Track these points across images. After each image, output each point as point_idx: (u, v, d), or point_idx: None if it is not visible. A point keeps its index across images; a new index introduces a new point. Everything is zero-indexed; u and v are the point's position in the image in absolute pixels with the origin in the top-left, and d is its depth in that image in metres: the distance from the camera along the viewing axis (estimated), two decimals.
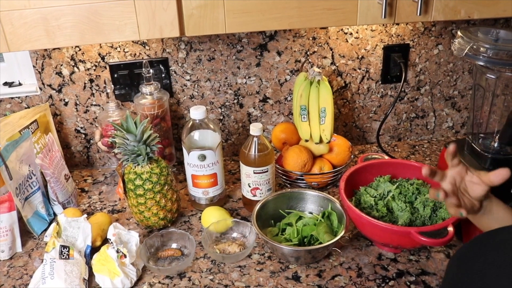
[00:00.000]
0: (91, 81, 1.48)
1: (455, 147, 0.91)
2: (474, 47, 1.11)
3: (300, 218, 1.24)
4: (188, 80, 1.51)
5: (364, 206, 1.21)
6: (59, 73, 1.45)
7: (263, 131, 1.31)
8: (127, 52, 1.45)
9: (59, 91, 1.48)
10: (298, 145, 1.45)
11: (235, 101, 1.56)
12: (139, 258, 1.16)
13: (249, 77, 1.52)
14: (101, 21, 1.05)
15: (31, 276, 1.14)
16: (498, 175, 0.88)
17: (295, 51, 1.50)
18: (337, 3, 1.10)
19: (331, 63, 1.54)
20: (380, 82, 1.58)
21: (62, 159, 1.40)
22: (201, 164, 1.28)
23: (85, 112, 1.52)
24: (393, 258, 1.17)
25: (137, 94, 1.42)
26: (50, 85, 1.47)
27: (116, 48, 1.44)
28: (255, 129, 1.26)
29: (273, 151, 1.32)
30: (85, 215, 1.22)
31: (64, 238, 1.15)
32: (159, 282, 1.13)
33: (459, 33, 1.16)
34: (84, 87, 1.48)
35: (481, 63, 1.12)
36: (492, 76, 1.18)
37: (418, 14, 1.11)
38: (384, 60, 1.54)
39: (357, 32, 1.49)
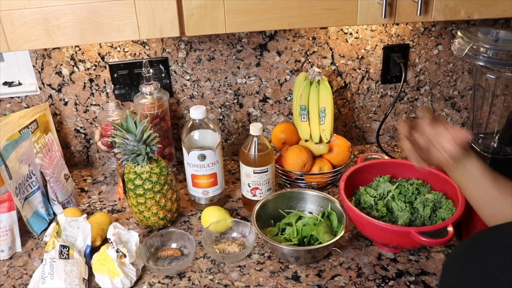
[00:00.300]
0: (91, 80, 1.48)
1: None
2: (474, 47, 1.11)
3: (300, 218, 1.24)
4: (188, 80, 1.51)
5: (364, 206, 1.21)
6: (59, 73, 1.45)
7: (263, 131, 1.31)
8: (127, 52, 1.45)
9: (59, 90, 1.48)
10: (298, 145, 1.45)
11: (235, 101, 1.56)
12: (139, 258, 1.15)
13: (249, 77, 1.52)
14: (101, 20, 1.05)
15: (30, 276, 1.14)
16: (458, 133, 0.91)
17: (295, 51, 1.50)
18: (337, 3, 1.10)
19: (331, 63, 1.54)
20: (380, 82, 1.59)
21: (62, 159, 1.40)
22: (201, 164, 1.28)
23: (85, 112, 1.52)
24: (392, 258, 1.17)
25: (137, 94, 1.42)
26: (50, 85, 1.47)
27: (116, 48, 1.44)
28: (255, 129, 1.26)
29: (273, 151, 1.32)
30: (85, 215, 1.22)
31: (63, 238, 1.15)
32: (159, 282, 1.13)
33: (459, 33, 1.16)
34: (84, 86, 1.48)
35: (481, 63, 1.12)
36: (492, 76, 1.18)
37: (418, 14, 1.11)
38: (384, 60, 1.55)
39: (357, 32, 1.49)
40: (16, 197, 1.23)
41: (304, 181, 1.43)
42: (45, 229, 1.31)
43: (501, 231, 0.76)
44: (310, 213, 1.28)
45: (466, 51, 1.11)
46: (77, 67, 1.45)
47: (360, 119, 1.65)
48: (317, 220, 1.22)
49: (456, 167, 0.95)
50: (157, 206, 1.24)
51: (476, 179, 0.93)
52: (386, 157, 1.51)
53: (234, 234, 1.26)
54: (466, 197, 0.98)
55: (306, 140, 1.42)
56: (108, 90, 1.41)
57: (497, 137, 1.24)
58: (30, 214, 1.30)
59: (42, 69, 1.44)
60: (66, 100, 1.50)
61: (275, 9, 1.09)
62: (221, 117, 1.58)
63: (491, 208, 0.92)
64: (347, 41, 1.50)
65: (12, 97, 1.47)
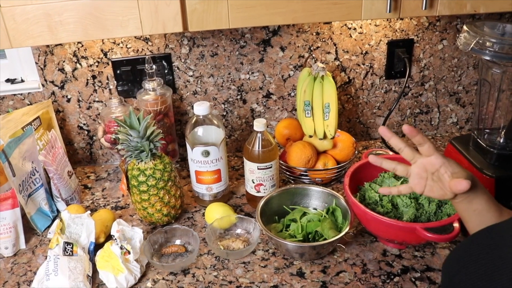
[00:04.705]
0: (94, 77, 1.47)
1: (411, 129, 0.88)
2: (480, 41, 1.10)
3: (304, 214, 1.24)
4: (191, 76, 1.50)
5: (368, 202, 1.20)
6: (62, 70, 1.45)
7: (267, 126, 1.31)
8: (129, 48, 1.44)
9: (62, 87, 1.48)
10: (302, 141, 1.44)
11: (238, 97, 1.55)
12: (143, 254, 1.15)
13: (253, 73, 1.51)
14: (104, 16, 1.05)
15: (35, 273, 1.13)
16: (457, 185, 0.84)
17: (298, 46, 1.49)
18: None
19: (335, 59, 1.53)
20: (384, 77, 1.58)
21: (65, 156, 1.40)
22: (204, 160, 1.28)
23: (88, 109, 1.52)
24: (398, 254, 1.17)
25: (140, 90, 1.42)
26: (52, 82, 1.47)
27: (118, 44, 1.43)
28: (259, 124, 1.26)
29: (276, 147, 1.31)
30: (89, 212, 1.21)
31: (67, 234, 1.15)
32: (163, 279, 1.13)
33: (465, 27, 1.15)
34: (87, 83, 1.48)
35: (487, 58, 1.11)
36: (498, 71, 1.17)
37: (424, 8, 1.10)
38: (388, 56, 1.54)
39: (361, 27, 1.48)
40: (19, 194, 1.23)
41: (308, 177, 1.43)
42: (49, 226, 1.31)
43: (501, 228, 0.76)
44: (315, 209, 1.27)
45: (472, 45, 1.10)
46: (80, 64, 1.44)
47: (364, 114, 1.64)
48: (321, 216, 1.21)
49: (461, 201, 0.89)
50: (161, 203, 1.23)
51: (481, 215, 0.88)
52: (391, 153, 1.50)
53: (238, 231, 1.26)
54: (467, 228, 0.93)
55: (310, 136, 1.42)
56: (111, 87, 1.41)
57: (503, 132, 1.23)
58: (33, 211, 1.29)
59: (44, 65, 1.44)
60: (69, 96, 1.49)
61: (279, 3, 1.08)
62: (225, 113, 1.58)
63: None
64: (351, 36, 1.49)
65: (14, 94, 1.47)
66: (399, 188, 0.95)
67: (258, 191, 1.32)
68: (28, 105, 1.47)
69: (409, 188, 0.93)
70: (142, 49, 1.45)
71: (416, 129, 0.89)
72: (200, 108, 1.26)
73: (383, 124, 1.54)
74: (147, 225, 1.31)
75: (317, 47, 1.50)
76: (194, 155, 1.28)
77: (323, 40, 1.49)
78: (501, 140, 1.23)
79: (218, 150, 1.28)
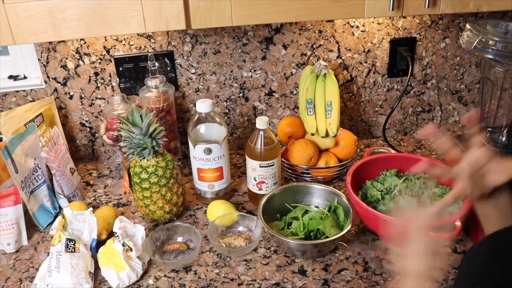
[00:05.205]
0: (96, 74, 1.47)
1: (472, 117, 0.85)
2: (483, 40, 1.10)
3: (306, 212, 1.24)
4: (194, 74, 1.50)
5: (370, 200, 1.20)
6: (64, 66, 1.45)
7: (269, 124, 1.31)
8: (132, 45, 1.44)
9: (64, 84, 1.48)
10: (304, 139, 1.44)
11: (241, 94, 1.55)
12: (145, 251, 1.15)
13: (255, 71, 1.51)
14: (106, 13, 1.05)
15: (37, 269, 1.14)
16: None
17: (301, 44, 1.49)
18: None
19: (337, 57, 1.53)
20: (386, 75, 1.57)
21: (67, 153, 1.40)
22: (207, 157, 1.28)
23: (90, 106, 1.52)
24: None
25: (142, 88, 1.42)
26: (55, 79, 1.47)
27: (121, 41, 1.43)
28: (261, 122, 1.26)
29: (279, 144, 1.31)
30: (91, 209, 1.22)
31: (69, 231, 1.15)
32: (165, 276, 1.13)
33: (467, 26, 1.15)
34: (89, 80, 1.48)
35: (490, 56, 1.11)
36: (501, 70, 1.17)
37: (427, 6, 1.10)
38: (391, 54, 1.53)
39: (363, 25, 1.48)
40: (22, 190, 1.23)
41: (310, 175, 1.43)
42: (51, 223, 1.31)
43: None
44: (317, 207, 1.27)
45: (475, 44, 1.10)
46: (82, 61, 1.44)
47: (366, 113, 1.64)
48: (323, 214, 1.21)
49: (489, 200, 0.88)
50: (163, 200, 1.24)
51: (506, 212, 0.87)
52: (393, 151, 1.50)
53: (240, 228, 1.26)
54: (489, 230, 0.89)
55: (312, 134, 1.42)
56: (114, 84, 1.41)
57: (505, 131, 1.23)
58: (36, 207, 1.30)
59: (47, 62, 1.44)
60: (71, 93, 1.50)
61: (282, 1, 1.08)
62: (227, 111, 1.58)
63: None
64: (353, 34, 1.49)
65: (17, 91, 1.47)
66: (448, 198, 0.90)
67: (260, 189, 1.32)
68: (31, 101, 1.47)
69: (457, 191, 0.89)
70: (145, 46, 1.45)
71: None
72: (203, 106, 1.26)
73: (385, 123, 1.54)
74: (149, 222, 1.31)
75: (320, 45, 1.50)
76: (196, 152, 1.29)
77: (326, 38, 1.49)
78: (504, 139, 1.23)
79: (220, 148, 1.28)
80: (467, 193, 0.88)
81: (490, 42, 1.09)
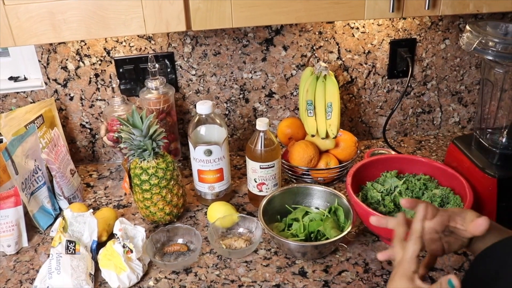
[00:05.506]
0: (97, 75, 1.47)
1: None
2: (483, 41, 1.10)
3: (306, 213, 1.24)
4: (194, 75, 1.50)
5: (371, 202, 1.20)
6: (65, 68, 1.45)
7: (269, 126, 1.31)
8: (132, 46, 1.44)
9: (65, 85, 1.48)
10: (304, 140, 1.44)
11: (241, 96, 1.55)
12: (145, 253, 1.15)
13: (255, 72, 1.52)
14: (107, 15, 1.05)
15: (37, 271, 1.13)
16: (478, 227, 0.81)
17: (301, 45, 1.49)
18: None
19: (337, 58, 1.53)
20: (386, 77, 1.58)
21: (68, 154, 1.40)
22: (207, 159, 1.28)
23: (91, 107, 1.52)
24: None
25: (143, 89, 1.42)
26: (55, 80, 1.47)
27: (121, 43, 1.43)
28: (261, 124, 1.26)
29: (279, 146, 1.31)
30: (91, 210, 1.22)
31: (70, 233, 1.15)
32: (165, 277, 1.13)
33: (467, 27, 1.15)
34: (90, 81, 1.48)
35: (490, 58, 1.11)
36: (500, 71, 1.17)
37: (427, 8, 1.10)
38: (391, 55, 1.54)
39: (363, 27, 1.48)
40: (22, 192, 1.23)
41: (310, 177, 1.43)
42: (51, 224, 1.31)
43: None
44: (317, 208, 1.27)
45: (474, 45, 1.10)
46: (83, 62, 1.45)
47: (367, 114, 1.64)
48: (323, 215, 1.21)
49: (475, 241, 0.86)
50: (163, 201, 1.23)
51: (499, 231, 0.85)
52: (393, 152, 1.50)
53: (241, 230, 1.26)
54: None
55: (313, 135, 1.42)
56: (114, 85, 1.41)
57: (505, 132, 1.23)
58: (36, 209, 1.30)
59: (47, 64, 1.44)
60: (71, 95, 1.50)
61: (282, 3, 1.08)
62: (227, 112, 1.58)
63: None
64: (353, 36, 1.49)
65: (17, 92, 1.47)
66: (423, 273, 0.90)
67: (260, 190, 1.32)
68: (31, 103, 1.47)
69: (431, 256, 0.90)
70: (145, 48, 1.45)
71: (412, 200, 0.87)
72: (203, 107, 1.26)
73: (385, 124, 1.54)
74: (150, 224, 1.31)
75: (320, 47, 1.50)
76: (196, 154, 1.29)
77: (326, 39, 1.49)
78: (504, 140, 1.23)
79: (221, 149, 1.28)
80: (441, 253, 0.88)
81: (490, 43, 1.09)
